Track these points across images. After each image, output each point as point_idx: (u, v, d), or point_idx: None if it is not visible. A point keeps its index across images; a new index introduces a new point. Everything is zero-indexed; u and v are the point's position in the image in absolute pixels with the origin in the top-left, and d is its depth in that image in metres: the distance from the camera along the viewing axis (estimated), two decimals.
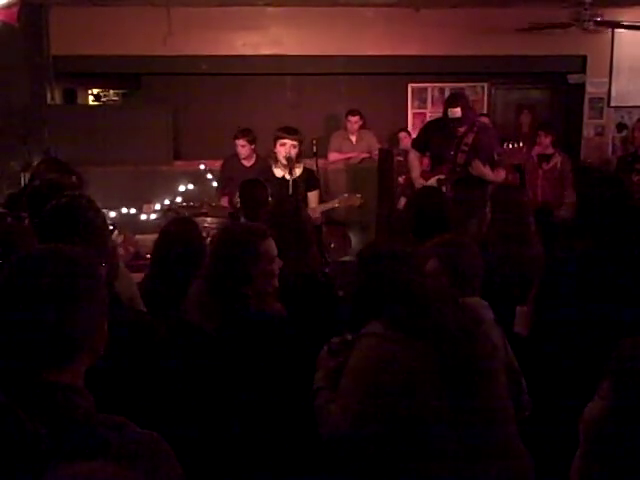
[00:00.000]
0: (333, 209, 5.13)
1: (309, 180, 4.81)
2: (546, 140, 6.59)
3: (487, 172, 4.87)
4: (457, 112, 4.85)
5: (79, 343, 1.31)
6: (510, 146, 5.32)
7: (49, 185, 2.89)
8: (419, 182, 5.07)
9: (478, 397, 1.96)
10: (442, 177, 4.96)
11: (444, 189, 4.85)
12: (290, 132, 4.76)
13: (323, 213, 4.96)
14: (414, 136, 6.20)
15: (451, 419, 1.91)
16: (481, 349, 2.04)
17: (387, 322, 2.01)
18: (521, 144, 5.80)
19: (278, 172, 4.76)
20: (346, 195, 5.08)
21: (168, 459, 1.29)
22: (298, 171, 4.73)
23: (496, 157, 5.01)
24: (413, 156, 5.29)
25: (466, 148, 4.89)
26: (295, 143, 4.71)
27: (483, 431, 1.95)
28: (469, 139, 4.91)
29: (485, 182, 4.95)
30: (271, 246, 2.31)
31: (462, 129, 4.94)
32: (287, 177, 4.70)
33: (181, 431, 1.99)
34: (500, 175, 4.99)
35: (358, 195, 5.04)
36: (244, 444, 2.07)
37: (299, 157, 4.77)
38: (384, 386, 1.94)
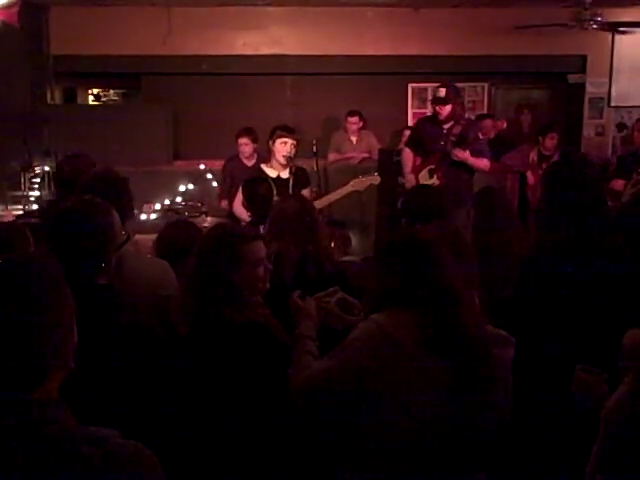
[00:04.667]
0: (350, 194, 4.96)
1: (301, 178, 4.81)
2: (552, 142, 6.52)
3: (466, 157, 5.18)
4: (442, 92, 5.33)
5: (47, 362, 1.24)
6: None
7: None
8: (409, 177, 5.37)
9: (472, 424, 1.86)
10: (432, 167, 5.30)
11: (435, 177, 5.24)
12: (290, 131, 4.78)
13: (343, 198, 4.92)
14: None
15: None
16: (494, 373, 1.90)
17: (405, 314, 1.90)
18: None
19: (272, 172, 4.73)
20: (361, 178, 4.93)
21: (152, 470, 1.26)
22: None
23: (476, 136, 5.32)
24: (407, 152, 5.58)
25: (454, 139, 5.23)
26: (295, 142, 4.72)
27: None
28: (457, 130, 5.25)
29: (472, 169, 5.31)
30: (256, 249, 2.18)
31: (448, 125, 5.27)
32: (282, 176, 4.68)
33: (168, 438, 1.95)
34: (481, 163, 5.27)
35: (375, 174, 5.01)
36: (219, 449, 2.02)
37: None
38: (366, 380, 1.87)
